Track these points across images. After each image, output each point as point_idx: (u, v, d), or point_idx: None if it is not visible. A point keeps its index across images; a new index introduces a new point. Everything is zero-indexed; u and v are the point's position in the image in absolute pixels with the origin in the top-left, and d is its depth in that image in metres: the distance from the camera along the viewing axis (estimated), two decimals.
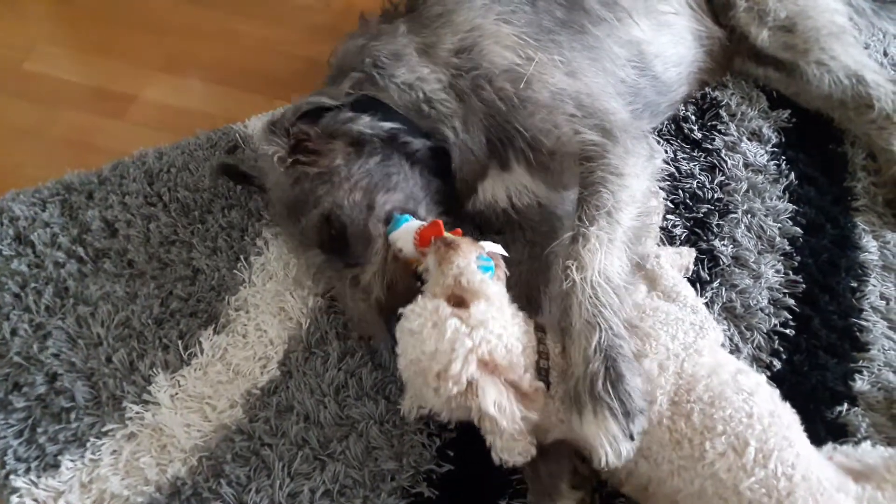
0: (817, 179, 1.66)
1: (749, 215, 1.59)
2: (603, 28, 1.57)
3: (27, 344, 1.46)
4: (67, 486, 1.29)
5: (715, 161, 1.68)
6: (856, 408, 1.31)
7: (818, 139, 1.73)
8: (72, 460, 1.31)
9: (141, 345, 1.46)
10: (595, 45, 1.55)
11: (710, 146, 1.70)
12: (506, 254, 1.21)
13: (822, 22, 1.71)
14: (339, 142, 1.38)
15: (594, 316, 1.12)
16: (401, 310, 1.11)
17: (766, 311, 1.44)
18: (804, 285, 1.48)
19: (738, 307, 1.44)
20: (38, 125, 1.93)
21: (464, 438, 1.29)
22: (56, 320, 1.49)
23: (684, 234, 1.55)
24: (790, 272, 1.50)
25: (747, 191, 1.63)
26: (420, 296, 1.12)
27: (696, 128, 1.73)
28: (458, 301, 1.08)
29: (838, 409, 1.31)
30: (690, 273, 1.47)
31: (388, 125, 1.38)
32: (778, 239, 1.55)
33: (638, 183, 1.30)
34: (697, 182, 1.64)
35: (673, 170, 1.65)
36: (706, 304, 1.40)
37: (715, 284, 1.47)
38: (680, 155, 1.69)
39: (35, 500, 1.28)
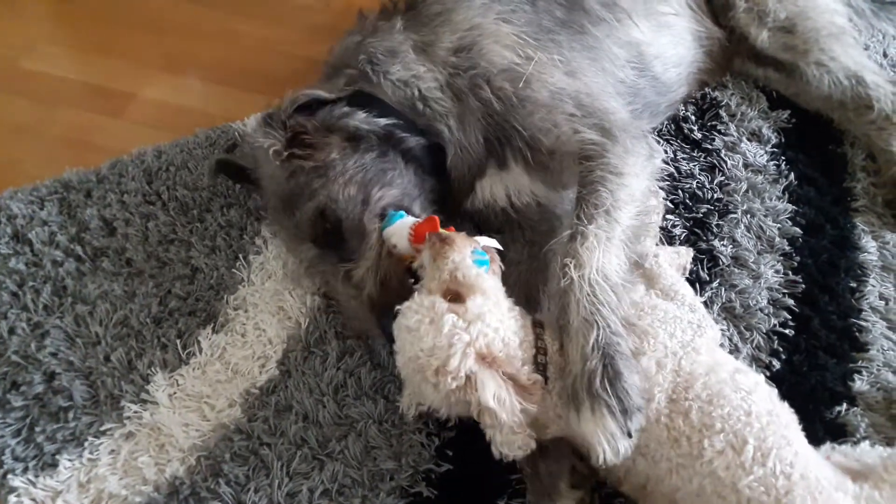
0: (817, 180, 1.66)
1: (749, 215, 1.59)
2: (602, 28, 1.58)
3: (25, 343, 1.45)
4: (65, 485, 1.29)
5: (715, 161, 1.68)
6: (855, 408, 1.31)
7: (818, 140, 1.73)
8: (70, 460, 1.31)
9: (139, 344, 1.46)
10: (595, 46, 1.55)
11: (709, 146, 1.71)
12: (500, 248, 1.21)
13: (822, 23, 1.71)
14: (336, 136, 1.38)
15: (592, 314, 1.12)
16: (397, 307, 1.11)
17: (766, 311, 1.44)
18: (803, 285, 1.48)
19: (738, 307, 1.44)
20: (37, 123, 1.93)
21: (463, 438, 1.29)
22: (54, 319, 1.49)
23: (684, 234, 1.55)
24: (789, 272, 1.50)
25: (747, 191, 1.63)
26: (416, 292, 1.12)
27: (695, 128, 1.74)
28: (455, 296, 1.08)
29: (837, 409, 1.31)
30: (690, 273, 1.47)
31: (383, 121, 1.38)
32: (777, 239, 1.55)
33: (637, 182, 1.30)
34: (697, 182, 1.64)
35: (672, 170, 1.65)
36: (705, 303, 1.40)
37: (714, 284, 1.47)
38: (680, 155, 1.69)
39: (33, 499, 1.27)
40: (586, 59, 1.51)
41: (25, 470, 1.30)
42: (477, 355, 1.04)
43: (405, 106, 1.42)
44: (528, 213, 1.50)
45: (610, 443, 1.03)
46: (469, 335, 1.04)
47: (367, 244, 1.31)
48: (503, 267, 1.20)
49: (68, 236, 1.62)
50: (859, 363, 1.38)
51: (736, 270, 1.50)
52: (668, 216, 1.57)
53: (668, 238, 1.54)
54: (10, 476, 1.29)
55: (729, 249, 1.53)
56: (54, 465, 1.31)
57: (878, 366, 1.37)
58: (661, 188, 1.59)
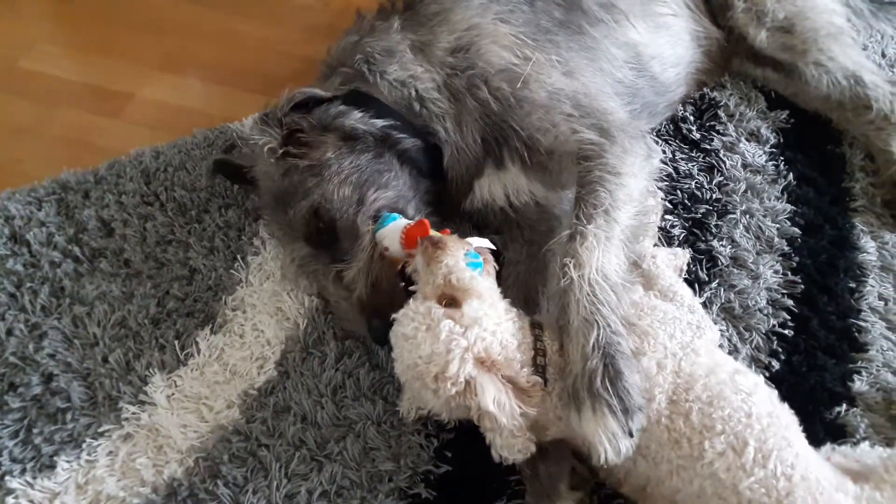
0: (816, 180, 1.66)
1: (747, 216, 1.59)
2: (600, 29, 1.58)
3: (23, 344, 1.45)
4: (63, 487, 1.28)
5: (713, 161, 1.68)
6: (854, 408, 1.31)
7: (816, 140, 1.73)
8: (67, 461, 1.31)
9: (137, 345, 1.45)
10: (593, 46, 1.55)
11: (708, 146, 1.70)
12: (493, 247, 1.21)
13: (821, 23, 1.71)
14: (332, 135, 1.38)
15: (592, 313, 1.11)
16: (392, 315, 1.11)
17: (765, 311, 1.44)
18: (803, 286, 1.47)
19: (737, 308, 1.44)
20: (36, 123, 1.92)
21: (462, 439, 1.28)
22: (52, 320, 1.48)
23: (683, 235, 1.55)
24: (789, 273, 1.50)
25: (746, 191, 1.63)
26: (411, 299, 1.12)
27: (694, 128, 1.73)
28: (450, 300, 1.08)
29: (837, 409, 1.31)
30: (688, 273, 1.47)
31: (380, 122, 1.38)
32: (776, 239, 1.55)
33: (635, 182, 1.30)
34: (696, 182, 1.64)
35: (671, 170, 1.65)
36: (704, 304, 1.40)
37: (713, 285, 1.47)
38: (678, 155, 1.69)
39: (31, 501, 1.27)
40: (584, 59, 1.51)
41: (23, 471, 1.30)
42: (475, 360, 1.04)
43: (401, 106, 1.42)
44: (527, 213, 1.49)
45: (611, 442, 1.03)
46: (466, 340, 1.04)
47: (360, 245, 1.30)
48: (497, 267, 1.20)
49: (66, 237, 1.61)
50: (858, 363, 1.38)
51: (735, 271, 1.50)
52: (667, 216, 1.57)
53: (666, 238, 1.54)
54: (7, 478, 1.29)
55: (728, 250, 1.53)
56: (52, 466, 1.30)
57: (878, 366, 1.37)
58: (660, 188, 1.59)
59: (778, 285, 1.48)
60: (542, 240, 1.43)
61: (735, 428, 1.02)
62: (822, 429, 1.27)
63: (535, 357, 1.11)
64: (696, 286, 1.45)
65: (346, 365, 1.40)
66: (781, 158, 1.69)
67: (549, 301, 1.35)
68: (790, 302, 1.45)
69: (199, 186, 1.69)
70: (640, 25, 1.62)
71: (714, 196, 1.62)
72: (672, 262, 1.39)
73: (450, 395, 1.04)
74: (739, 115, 1.76)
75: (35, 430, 1.34)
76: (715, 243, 1.53)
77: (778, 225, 1.57)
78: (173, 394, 1.39)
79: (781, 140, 1.73)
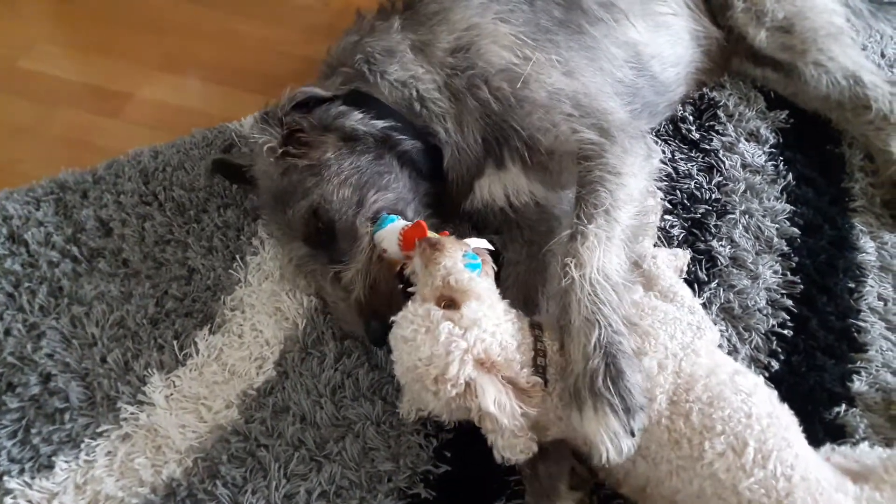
0: (815, 180, 1.66)
1: (747, 216, 1.59)
2: (600, 28, 1.58)
3: (21, 344, 1.45)
4: (61, 487, 1.28)
5: (713, 161, 1.68)
6: (854, 409, 1.31)
7: (816, 140, 1.73)
8: (66, 461, 1.30)
9: (136, 345, 1.45)
10: (592, 46, 1.55)
11: (707, 146, 1.70)
12: (491, 247, 1.21)
13: (820, 23, 1.71)
14: (332, 135, 1.38)
15: (593, 313, 1.11)
16: (391, 318, 1.11)
17: (764, 311, 1.44)
18: (802, 286, 1.47)
19: (736, 308, 1.44)
20: (35, 123, 1.92)
21: (461, 439, 1.28)
22: (50, 320, 1.48)
23: (682, 235, 1.55)
24: (788, 273, 1.50)
25: (745, 191, 1.63)
26: (410, 301, 1.12)
27: (693, 128, 1.73)
28: (449, 302, 1.08)
29: (836, 409, 1.31)
30: (688, 273, 1.47)
31: (381, 124, 1.38)
32: (776, 239, 1.55)
33: (636, 182, 1.30)
34: (695, 182, 1.64)
35: (671, 170, 1.65)
36: (704, 304, 1.40)
37: (713, 285, 1.47)
38: (678, 155, 1.69)
39: (29, 501, 1.26)
40: (584, 58, 1.51)
41: (21, 472, 1.29)
42: (475, 361, 1.04)
43: (402, 106, 1.42)
44: (527, 213, 1.49)
45: (613, 442, 1.03)
46: (466, 342, 1.03)
47: (359, 247, 1.30)
48: (496, 268, 1.20)
49: (64, 237, 1.61)
50: (858, 364, 1.38)
51: (734, 271, 1.50)
52: (667, 216, 1.57)
53: (666, 238, 1.53)
54: (5, 478, 1.28)
55: (727, 250, 1.53)
56: (50, 466, 1.30)
57: (877, 366, 1.37)
58: (659, 188, 1.59)
59: (777, 285, 1.48)
60: (542, 240, 1.43)
61: (735, 428, 1.02)
62: (821, 429, 1.27)
63: (536, 357, 1.11)
64: (696, 286, 1.45)
65: (345, 365, 1.40)
66: (781, 158, 1.69)
67: (550, 301, 1.35)
68: (789, 302, 1.45)
69: (197, 186, 1.68)
70: (640, 24, 1.63)
71: (713, 196, 1.62)
72: (672, 262, 1.39)
73: (450, 397, 1.04)
74: (739, 115, 1.76)
75: (33, 431, 1.34)
76: (714, 243, 1.53)
77: (777, 225, 1.57)
78: (172, 394, 1.38)
79: (781, 140, 1.73)
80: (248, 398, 1.37)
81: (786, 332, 1.41)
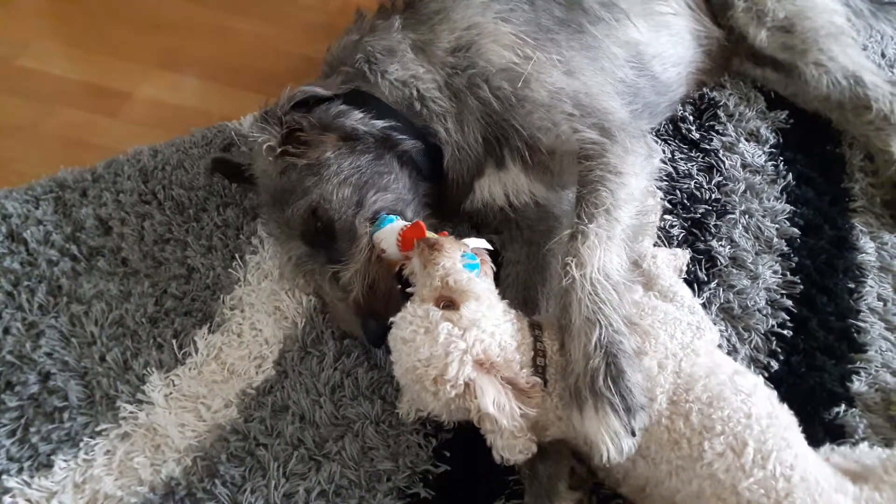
0: (815, 180, 1.66)
1: (747, 216, 1.59)
2: (601, 28, 1.57)
3: (20, 342, 1.44)
4: (60, 486, 1.28)
5: (713, 161, 1.68)
6: (853, 409, 1.31)
7: (816, 140, 1.73)
8: (65, 460, 1.30)
9: (135, 344, 1.45)
10: (593, 45, 1.55)
11: (707, 146, 1.70)
12: (490, 247, 1.21)
13: (821, 23, 1.71)
14: (332, 135, 1.37)
15: (594, 312, 1.11)
16: (391, 319, 1.11)
17: (764, 311, 1.44)
18: (802, 286, 1.47)
19: (736, 308, 1.44)
20: (33, 122, 1.91)
21: (460, 439, 1.28)
22: (49, 319, 1.48)
23: (682, 235, 1.55)
24: (788, 273, 1.50)
25: (745, 191, 1.63)
26: (409, 302, 1.12)
27: (693, 128, 1.73)
28: (448, 302, 1.07)
29: (836, 410, 1.31)
30: (688, 273, 1.47)
31: (381, 123, 1.37)
32: (775, 240, 1.55)
33: (636, 181, 1.30)
34: (695, 182, 1.64)
35: (671, 170, 1.65)
36: (703, 304, 1.40)
37: (712, 285, 1.47)
38: (678, 155, 1.69)
39: (28, 500, 1.26)
40: (585, 58, 1.51)
41: (20, 470, 1.29)
42: (474, 362, 1.04)
43: (402, 106, 1.42)
44: (527, 213, 1.49)
45: (614, 441, 1.03)
46: (465, 342, 1.04)
47: (357, 247, 1.30)
48: (495, 268, 1.20)
49: (63, 236, 1.61)
50: (857, 364, 1.38)
51: (734, 271, 1.50)
52: (666, 216, 1.57)
53: (666, 238, 1.53)
54: (4, 477, 1.28)
55: (727, 250, 1.53)
56: (49, 465, 1.30)
57: (877, 367, 1.37)
58: (659, 188, 1.59)
59: (777, 285, 1.48)
60: (542, 240, 1.43)
61: (734, 429, 1.02)
62: (821, 429, 1.27)
63: (535, 358, 1.11)
64: (696, 286, 1.45)
65: (344, 364, 1.40)
66: (781, 159, 1.69)
67: (550, 300, 1.35)
68: (789, 302, 1.45)
69: (197, 185, 1.68)
70: (641, 24, 1.62)
71: (713, 196, 1.62)
72: (672, 262, 1.39)
73: (449, 398, 1.04)
74: (739, 115, 1.76)
75: (32, 429, 1.34)
76: (714, 243, 1.53)
77: (777, 225, 1.57)
78: (171, 393, 1.38)
79: (781, 140, 1.73)
80: (248, 397, 1.37)
81: (785, 332, 1.41)
